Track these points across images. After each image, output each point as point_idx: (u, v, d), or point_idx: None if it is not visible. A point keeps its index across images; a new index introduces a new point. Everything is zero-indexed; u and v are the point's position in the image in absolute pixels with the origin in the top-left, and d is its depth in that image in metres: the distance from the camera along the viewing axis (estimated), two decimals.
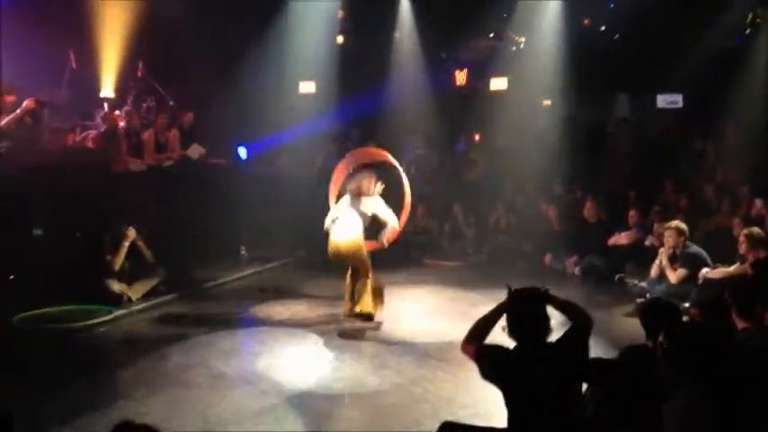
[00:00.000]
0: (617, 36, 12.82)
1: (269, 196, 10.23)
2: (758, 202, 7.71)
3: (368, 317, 7.08)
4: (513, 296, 3.66)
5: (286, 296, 8.28)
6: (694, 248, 7.40)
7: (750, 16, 12.00)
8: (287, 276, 9.38)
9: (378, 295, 7.25)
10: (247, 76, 11.92)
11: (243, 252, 9.65)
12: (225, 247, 9.58)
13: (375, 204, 7.17)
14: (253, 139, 11.25)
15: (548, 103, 14.11)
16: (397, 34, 13.35)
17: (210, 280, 8.79)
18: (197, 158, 9.73)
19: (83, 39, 10.44)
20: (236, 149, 10.82)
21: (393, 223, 7.25)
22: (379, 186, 7.27)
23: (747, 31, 12.08)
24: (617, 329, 7.02)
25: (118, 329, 7.07)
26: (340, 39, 13.21)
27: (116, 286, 7.70)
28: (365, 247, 7.16)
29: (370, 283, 7.13)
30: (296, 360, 6.19)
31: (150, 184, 8.91)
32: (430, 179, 11.81)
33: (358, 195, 7.14)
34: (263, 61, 12.03)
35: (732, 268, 6.76)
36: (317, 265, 9.51)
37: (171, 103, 10.62)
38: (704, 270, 7.07)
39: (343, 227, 7.04)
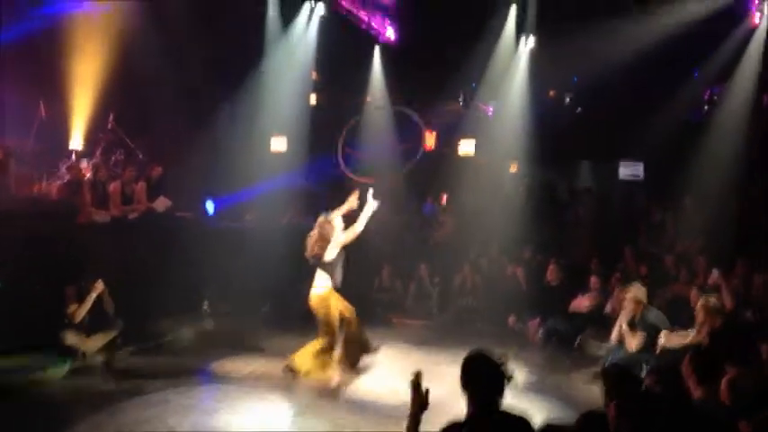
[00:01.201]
0: (579, 109, 13.27)
1: (235, 251, 10.19)
2: (715, 272, 7.90)
3: (290, 370, 7.03)
4: (466, 359, 3.65)
5: (247, 352, 8.17)
6: (653, 314, 7.50)
7: (708, 92, 12.59)
8: (249, 332, 9.26)
9: (319, 359, 7.12)
10: (219, 131, 12.04)
11: (205, 306, 9.52)
12: (187, 300, 9.47)
13: (334, 243, 7.16)
14: (221, 194, 11.25)
15: (514, 168, 14.44)
16: (368, 98, 13.63)
17: (170, 333, 8.67)
18: (163, 211, 9.68)
19: (54, 89, 10.47)
20: (204, 203, 10.79)
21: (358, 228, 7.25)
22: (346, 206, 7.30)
23: (705, 107, 12.64)
24: (576, 395, 7.08)
25: (71, 383, 6.89)
26: (312, 99, 13.44)
27: (73, 339, 7.50)
28: (327, 304, 7.13)
29: (318, 343, 7.09)
30: (254, 419, 6.08)
31: (114, 236, 8.83)
32: (393, 240, 11.89)
33: (314, 256, 7.16)
34: (235, 117, 12.18)
35: (689, 338, 6.85)
36: (281, 320, 9.49)
37: (140, 156, 10.63)
38: (662, 338, 7.15)
39: (314, 282, 7.10)
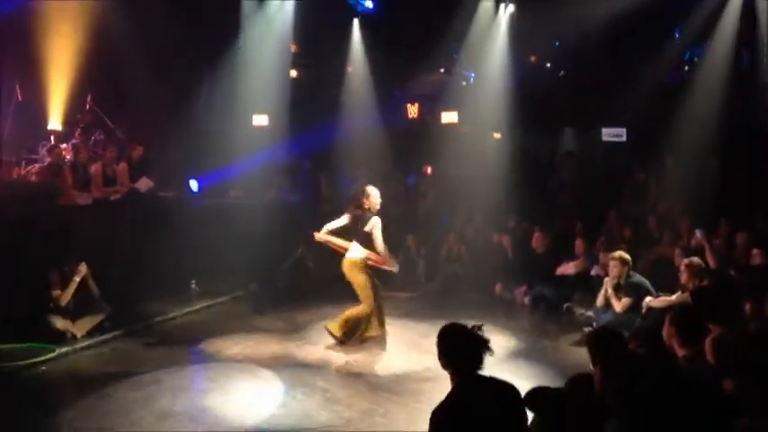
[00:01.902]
0: (562, 73, 13.20)
1: (221, 229, 10.13)
2: (698, 233, 7.94)
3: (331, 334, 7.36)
4: (440, 335, 3.64)
5: (237, 331, 8.13)
6: (637, 278, 7.56)
7: (688, 53, 12.57)
8: (238, 311, 9.24)
9: (353, 323, 7.38)
10: (199, 108, 11.88)
11: (193, 286, 9.47)
12: (174, 281, 9.39)
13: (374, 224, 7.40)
14: (205, 172, 11.14)
15: (497, 135, 14.38)
16: (349, 68, 13.49)
17: (158, 315, 8.59)
18: (145, 191, 9.59)
19: (30, 71, 10.27)
20: (188, 182, 10.69)
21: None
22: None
23: (686, 68, 12.62)
24: (564, 358, 7.15)
25: (61, 367, 6.85)
26: (293, 73, 13.29)
27: (60, 323, 7.48)
28: (362, 269, 7.33)
29: (358, 309, 7.36)
30: (246, 396, 6.09)
31: (97, 218, 8.73)
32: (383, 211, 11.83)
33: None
34: (216, 94, 12.02)
35: (674, 297, 6.91)
36: (271, 298, 9.48)
37: (120, 136, 10.48)
38: (647, 299, 7.23)
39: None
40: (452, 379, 3.48)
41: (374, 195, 7.48)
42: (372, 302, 7.38)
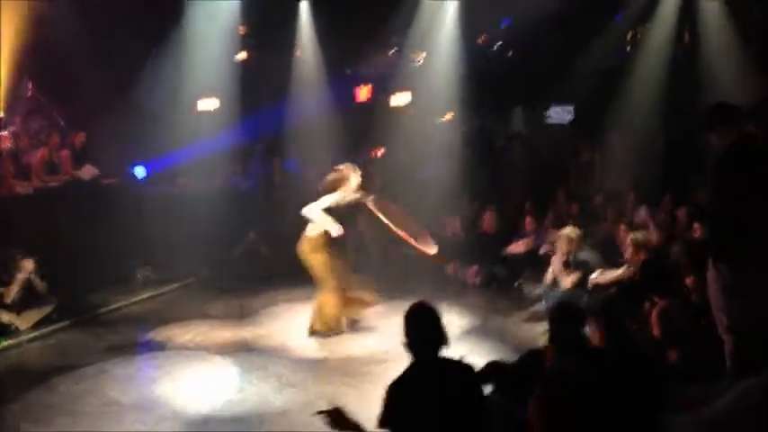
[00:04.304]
0: (510, 53, 13.26)
1: (169, 216, 9.88)
2: (641, 209, 8.06)
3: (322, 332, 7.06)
4: (407, 312, 3.62)
5: (187, 318, 7.96)
6: (586, 253, 7.65)
7: (630, 34, 12.74)
8: (188, 298, 9.05)
9: (326, 310, 7.09)
10: (145, 92, 11.53)
11: (141, 275, 9.25)
12: (120, 270, 9.16)
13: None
14: (151, 158, 10.87)
15: (449, 117, 14.38)
16: (298, 52, 13.28)
17: (105, 305, 8.35)
18: (89, 179, 9.33)
19: None
20: (133, 169, 10.41)
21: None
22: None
23: (629, 48, 12.81)
24: (516, 334, 7.23)
25: (5, 361, 6.62)
26: (242, 55, 13.03)
27: (4, 316, 7.24)
28: (321, 248, 6.98)
29: (321, 297, 7.05)
30: (198, 384, 5.98)
31: (39, 208, 8.44)
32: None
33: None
34: (162, 77, 11.69)
35: (619, 272, 7.01)
36: (222, 285, 9.34)
37: (61, 123, 10.14)
38: (593, 275, 7.31)
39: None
40: (411, 357, 3.49)
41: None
42: (334, 282, 7.02)
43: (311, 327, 7.18)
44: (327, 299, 7.09)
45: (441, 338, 3.54)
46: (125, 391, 5.73)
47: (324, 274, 7.05)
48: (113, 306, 8.41)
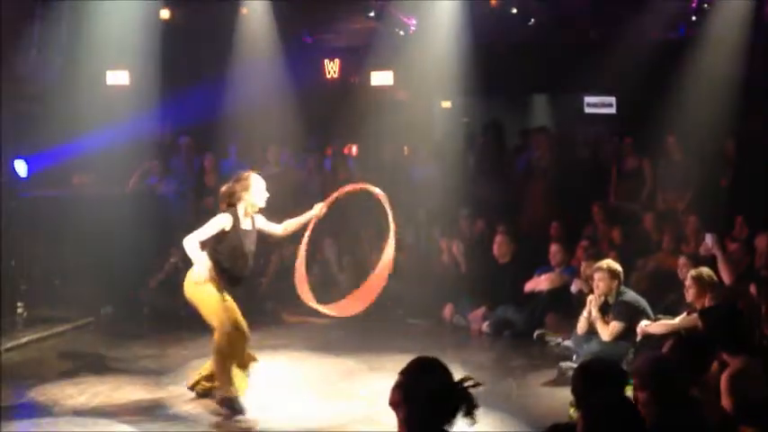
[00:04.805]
0: (532, 21, 13.37)
1: (61, 230, 9.94)
2: (708, 237, 8.17)
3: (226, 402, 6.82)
4: (415, 366, 3.60)
5: (83, 372, 7.94)
6: (630, 295, 7.72)
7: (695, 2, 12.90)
8: (85, 345, 9.03)
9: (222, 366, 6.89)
10: (30, 63, 11.48)
11: (20, 311, 9.20)
12: None
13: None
14: (37, 150, 10.84)
15: (447, 105, 14.47)
16: (243, 9, 13.31)
17: None
18: None
19: None
20: (12, 164, 10.36)
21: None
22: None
23: (693, 18, 12.91)
24: (536, 403, 7.24)
25: None
26: (165, 13, 13.03)
27: None
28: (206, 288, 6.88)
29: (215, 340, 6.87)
30: None
31: None
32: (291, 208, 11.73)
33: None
34: (53, 42, 11.65)
35: (677, 320, 7.08)
36: (131, 327, 9.34)
37: None
38: (643, 323, 7.38)
39: None
40: (403, 426, 3.46)
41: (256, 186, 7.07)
42: (227, 320, 6.87)
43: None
44: (217, 341, 6.91)
45: (449, 413, 3.50)
46: None
47: (212, 310, 6.92)
48: None
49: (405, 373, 3.47)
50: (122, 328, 9.40)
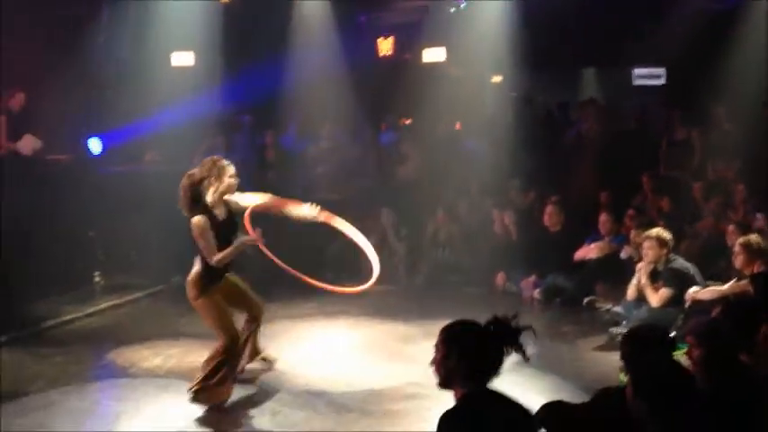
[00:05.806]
0: None
1: (134, 204, 10.08)
2: (759, 217, 8.06)
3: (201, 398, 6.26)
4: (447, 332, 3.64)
5: (157, 337, 8.11)
6: (680, 262, 7.65)
7: None
8: (158, 311, 9.22)
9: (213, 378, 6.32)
10: (100, 44, 11.66)
11: (97, 279, 9.41)
12: (73, 272, 9.35)
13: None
14: (110, 129, 11.02)
15: (497, 80, 14.37)
16: None
17: (52, 317, 8.53)
18: (30, 154, 9.49)
19: None
20: (87, 142, 10.56)
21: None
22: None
23: None
24: (585, 367, 7.24)
25: None
26: None
27: None
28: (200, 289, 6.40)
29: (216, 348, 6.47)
30: (169, 421, 6.04)
31: None
32: (344, 181, 11.80)
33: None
34: (122, 25, 11.81)
35: (727, 286, 7.01)
36: None
37: None
38: (692, 289, 7.31)
39: None
40: (456, 391, 3.49)
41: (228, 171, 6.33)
42: (230, 331, 6.50)
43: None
44: (218, 348, 6.51)
45: (492, 365, 3.53)
46: (79, 430, 5.81)
47: (215, 320, 6.51)
48: (63, 319, 8.56)
49: (442, 340, 3.54)
50: None
